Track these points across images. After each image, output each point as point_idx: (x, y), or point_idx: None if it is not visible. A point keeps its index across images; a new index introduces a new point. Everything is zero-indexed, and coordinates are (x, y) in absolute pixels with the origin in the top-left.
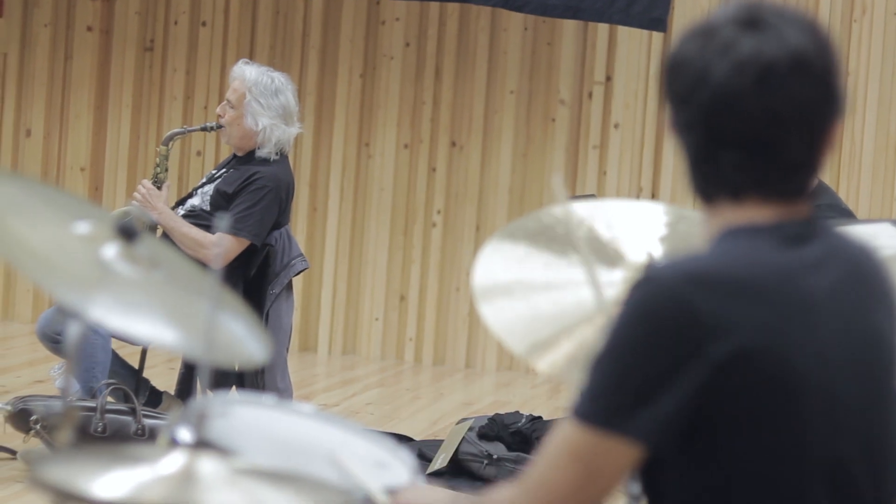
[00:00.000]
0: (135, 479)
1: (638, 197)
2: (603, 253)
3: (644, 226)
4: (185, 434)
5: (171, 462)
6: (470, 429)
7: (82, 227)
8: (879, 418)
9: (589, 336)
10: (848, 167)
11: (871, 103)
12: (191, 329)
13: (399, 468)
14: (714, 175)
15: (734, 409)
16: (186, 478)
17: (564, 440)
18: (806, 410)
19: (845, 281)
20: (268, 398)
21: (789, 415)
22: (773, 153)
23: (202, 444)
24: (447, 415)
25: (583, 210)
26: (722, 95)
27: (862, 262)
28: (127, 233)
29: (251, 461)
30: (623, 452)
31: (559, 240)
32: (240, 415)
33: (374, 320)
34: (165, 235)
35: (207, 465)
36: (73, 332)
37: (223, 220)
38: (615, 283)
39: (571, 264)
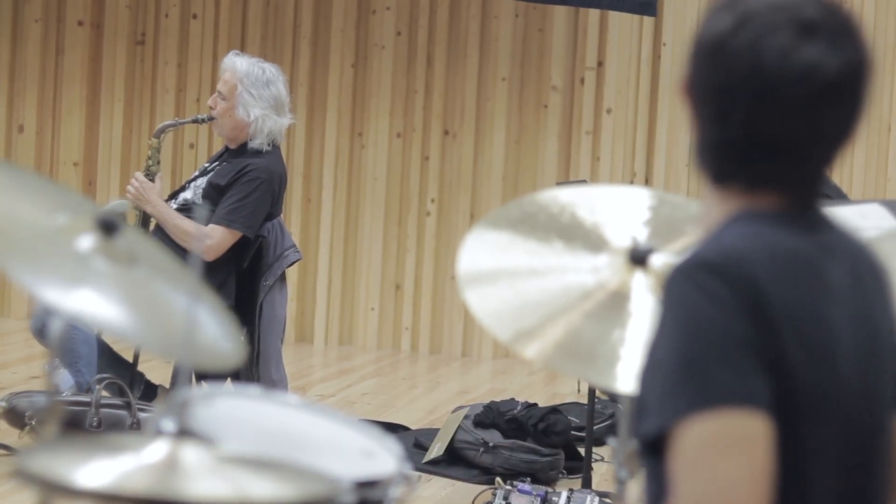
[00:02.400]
0: (118, 468)
1: (632, 181)
2: (586, 238)
3: (627, 210)
4: (169, 424)
5: (155, 451)
6: (465, 417)
7: (61, 219)
8: (872, 411)
9: (575, 322)
10: None
11: None
12: (166, 325)
13: (386, 457)
14: (737, 166)
15: (785, 379)
16: (170, 466)
17: (699, 438)
18: (827, 392)
19: (852, 273)
20: (253, 389)
21: (814, 391)
22: (802, 160)
23: (186, 434)
24: (444, 403)
25: (566, 196)
26: (776, 99)
27: (863, 256)
28: (107, 226)
29: (234, 449)
30: (755, 426)
31: (542, 227)
32: (225, 407)
33: (370, 310)
34: (159, 228)
35: (191, 454)
36: (54, 326)
37: (202, 209)
38: (600, 268)
39: (555, 251)
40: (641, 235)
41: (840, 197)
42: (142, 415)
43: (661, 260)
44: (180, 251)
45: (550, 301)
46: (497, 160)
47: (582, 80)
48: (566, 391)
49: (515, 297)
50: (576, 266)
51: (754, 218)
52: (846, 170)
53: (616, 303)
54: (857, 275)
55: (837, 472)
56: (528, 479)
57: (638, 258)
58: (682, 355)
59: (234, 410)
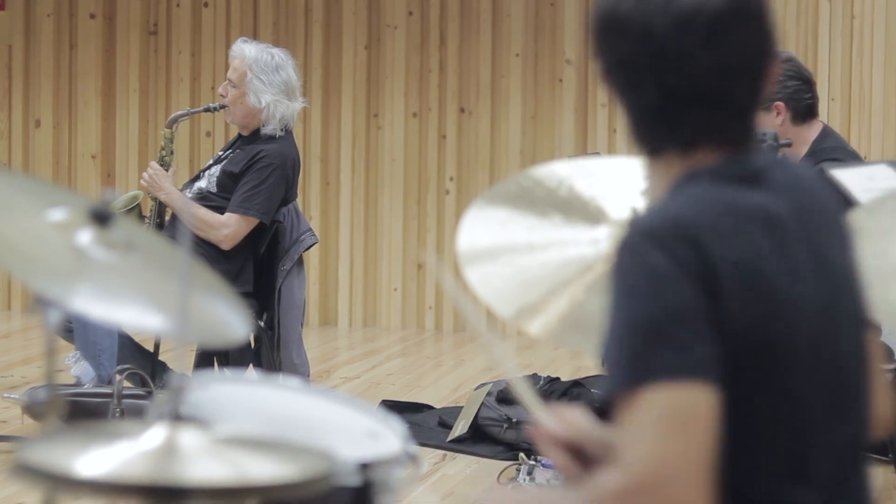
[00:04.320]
0: (117, 456)
1: (637, 152)
2: (585, 211)
3: (625, 182)
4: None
5: (153, 437)
6: (488, 394)
7: (56, 215)
8: (847, 354)
9: (578, 295)
10: (858, 110)
11: (879, 45)
12: (173, 311)
13: (390, 437)
14: (664, 130)
15: (744, 339)
16: (168, 451)
17: (645, 410)
18: (799, 332)
19: (799, 210)
20: (255, 374)
21: (788, 336)
22: (722, 103)
23: (188, 420)
24: (469, 381)
25: (563, 170)
26: (669, 54)
27: (809, 190)
28: (100, 217)
29: (232, 430)
30: (703, 398)
31: (540, 201)
32: (228, 392)
33: (393, 290)
34: (175, 217)
35: (189, 437)
36: (52, 320)
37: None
38: (600, 240)
39: (554, 225)
40: (640, 206)
41: (854, 158)
42: None
43: None
44: (196, 239)
45: (551, 275)
46: (514, 136)
47: None
48: (591, 365)
49: (516, 273)
50: (575, 239)
51: (695, 178)
52: (864, 132)
53: None
54: (806, 210)
55: (823, 404)
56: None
57: None
58: (629, 327)
59: (237, 396)
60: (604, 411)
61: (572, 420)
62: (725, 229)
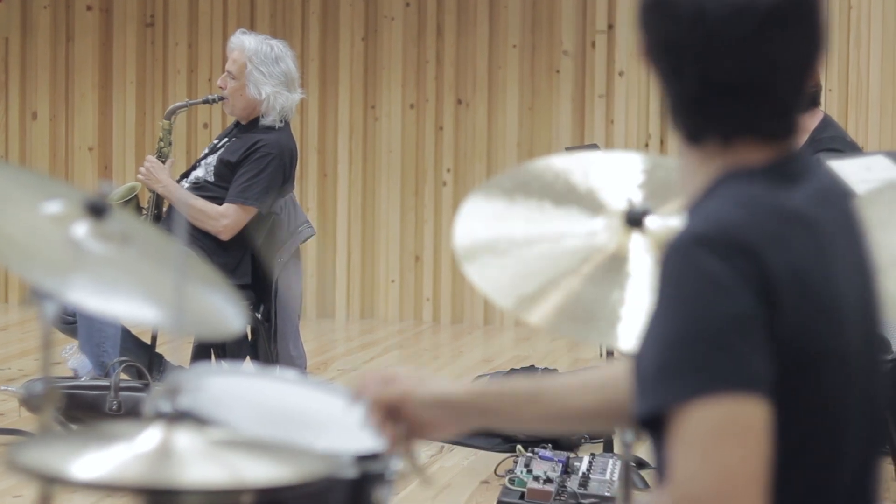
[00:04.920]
0: (113, 458)
1: (647, 144)
2: (582, 203)
3: (622, 174)
4: (164, 407)
5: (149, 438)
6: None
7: (52, 207)
8: (873, 349)
9: (575, 287)
10: (856, 101)
11: (876, 36)
12: (169, 303)
13: None
14: (705, 119)
15: (797, 350)
16: (164, 453)
17: (700, 423)
18: (847, 342)
19: (839, 215)
20: (250, 367)
21: (836, 346)
22: (766, 97)
23: (183, 417)
24: (467, 372)
25: (560, 163)
26: (720, 41)
27: (845, 198)
28: (96, 210)
29: (229, 432)
30: (756, 411)
31: (537, 194)
32: (223, 385)
33: (391, 282)
34: (173, 209)
35: (185, 439)
36: (48, 313)
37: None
38: (597, 232)
39: (551, 217)
40: (637, 198)
41: (854, 149)
42: None
43: (658, 221)
44: (194, 231)
45: (549, 266)
46: (511, 127)
47: (593, 44)
48: (588, 356)
49: (514, 265)
50: (572, 231)
51: (739, 178)
52: (862, 122)
53: (614, 265)
54: (846, 219)
55: (858, 422)
56: (550, 445)
57: (634, 220)
58: (682, 337)
59: (232, 388)
60: (648, 425)
61: (399, 383)
62: (777, 235)
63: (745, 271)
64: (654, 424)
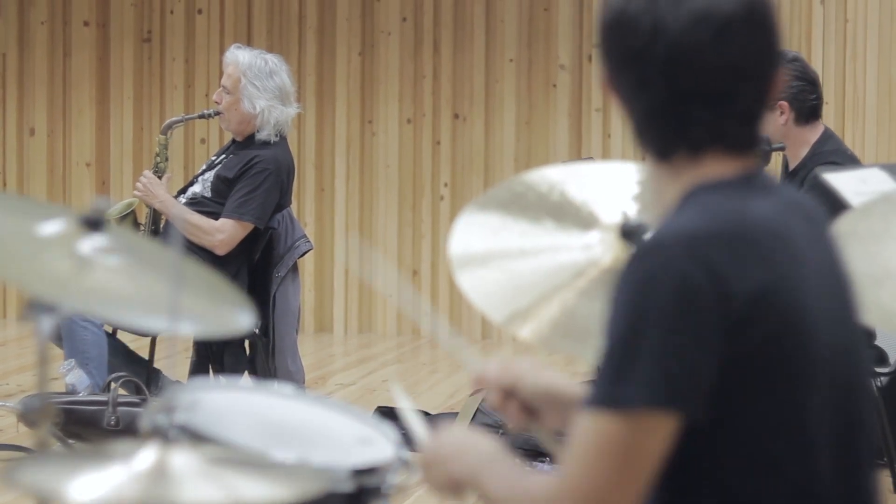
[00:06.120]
0: (109, 479)
1: (644, 157)
2: (577, 216)
3: (616, 186)
4: (161, 424)
5: (145, 458)
6: (484, 400)
7: (49, 228)
8: (852, 362)
9: (569, 301)
10: (852, 113)
11: (872, 48)
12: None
13: (383, 443)
14: (673, 131)
15: (755, 360)
16: (160, 474)
17: (598, 431)
18: (815, 356)
19: (810, 227)
20: (246, 381)
21: (803, 360)
22: (731, 105)
23: (181, 433)
24: (465, 387)
25: (554, 175)
26: (680, 50)
27: (811, 209)
28: (92, 224)
29: (225, 449)
30: (665, 429)
31: (532, 207)
32: (221, 400)
33: (389, 297)
34: (170, 224)
35: (180, 459)
36: (44, 328)
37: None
38: (592, 245)
39: (546, 231)
40: (631, 211)
41: (853, 162)
42: None
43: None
44: (191, 245)
45: (543, 280)
46: (508, 142)
47: (590, 58)
48: (586, 371)
49: (508, 279)
50: (567, 244)
51: (708, 191)
52: (858, 135)
53: (609, 279)
54: (818, 232)
55: (832, 432)
56: (548, 458)
57: (629, 233)
58: (615, 344)
59: (229, 403)
60: None
61: (515, 368)
62: (743, 247)
63: (700, 281)
64: None
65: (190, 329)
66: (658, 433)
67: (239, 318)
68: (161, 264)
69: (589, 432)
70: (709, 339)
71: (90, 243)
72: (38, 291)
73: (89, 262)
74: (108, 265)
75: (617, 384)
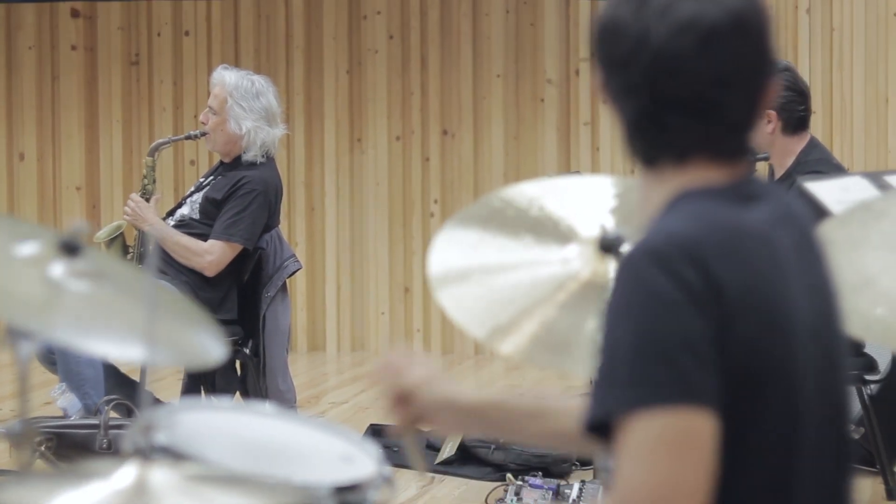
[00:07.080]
0: (89, 498)
1: (633, 170)
2: (556, 230)
3: (594, 200)
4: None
5: (124, 476)
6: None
7: (27, 249)
8: (835, 377)
9: (549, 315)
10: (840, 122)
11: (858, 57)
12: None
13: (365, 461)
14: (658, 138)
15: (746, 365)
16: (140, 491)
17: (642, 434)
18: (797, 355)
19: (798, 237)
20: (225, 402)
21: (787, 361)
22: (717, 114)
23: (161, 453)
24: None
25: (532, 189)
26: (665, 58)
27: (801, 217)
28: (70, 248)
29: (206, 467)
30: (702, 420)
31: (511, 222)
32: (202, 419)
33: (381, 314)
34: (159, 246)
35: (160, 476)
36: (24, 353)
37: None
38: (570, 259)
39: (525, 245)
40: (610, 224)
41: (839, 171)
42: None
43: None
44: (180, 267)
45: (523, 295)
46: (497, 157)
47: (577, 72)
48: (579, 385)
49: (488, 294)
50: (547, 258)
51: (694, 196)
52: (846, 143)
53: (589, 292)
54: (805, 241)
55: (817, 439)
56: (540, 473)
57: (608, 246)
58: (628, 349)
59: (211, 423)
60: (596, 433)
61: (413, 376)
62: (729, 250)
63: (693, 285)
64: (603, 433)
65: (163, 359)
66: (698, 428)
67: (212, 349)
68: (139, 291)
69: (632, 437)
70: (709, 336)
71: (65, 267)
72: (10, 316)
73: (61, 287)
74: (80, 291)
75: (641, 385)
